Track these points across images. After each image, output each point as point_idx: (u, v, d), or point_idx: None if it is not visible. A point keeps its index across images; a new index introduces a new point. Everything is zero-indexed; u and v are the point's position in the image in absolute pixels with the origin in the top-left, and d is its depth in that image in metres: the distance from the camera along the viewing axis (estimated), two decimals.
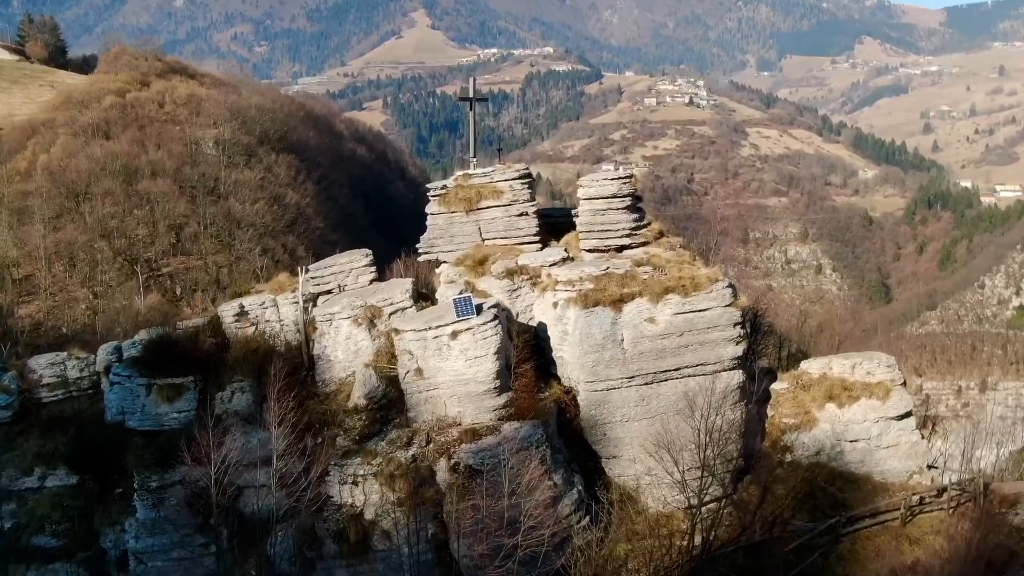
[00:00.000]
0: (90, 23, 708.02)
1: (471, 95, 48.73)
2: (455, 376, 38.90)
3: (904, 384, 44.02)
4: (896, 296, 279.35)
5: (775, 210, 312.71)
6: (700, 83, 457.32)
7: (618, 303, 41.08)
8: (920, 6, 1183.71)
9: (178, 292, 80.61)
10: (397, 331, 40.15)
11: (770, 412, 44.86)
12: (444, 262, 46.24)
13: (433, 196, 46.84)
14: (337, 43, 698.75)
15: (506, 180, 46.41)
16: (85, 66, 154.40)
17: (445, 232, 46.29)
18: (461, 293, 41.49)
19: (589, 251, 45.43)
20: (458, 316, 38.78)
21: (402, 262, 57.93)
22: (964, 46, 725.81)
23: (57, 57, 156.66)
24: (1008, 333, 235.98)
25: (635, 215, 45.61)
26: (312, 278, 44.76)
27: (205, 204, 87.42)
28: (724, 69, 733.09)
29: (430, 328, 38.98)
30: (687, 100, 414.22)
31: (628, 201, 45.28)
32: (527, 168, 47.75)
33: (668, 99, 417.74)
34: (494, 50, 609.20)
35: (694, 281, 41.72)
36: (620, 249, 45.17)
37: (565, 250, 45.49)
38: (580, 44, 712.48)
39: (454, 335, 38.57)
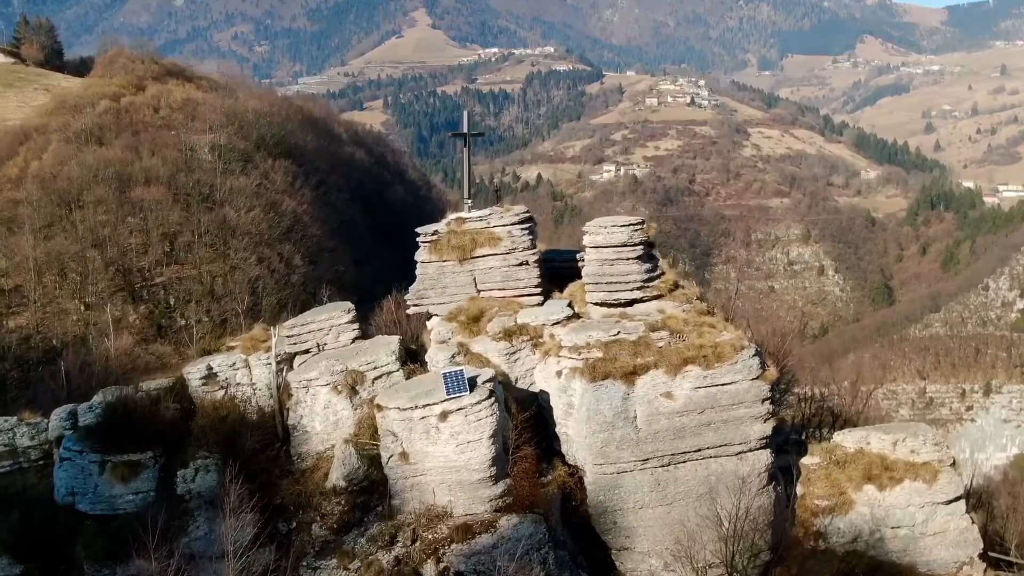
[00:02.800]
0: (90, 22, 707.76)
1: (465, 130, 45.26)
2: (445, 462, 34.72)
3: (954, 463, 39.28)
4: (899, 298, 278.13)
5: (777, 211, 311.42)
6: (701, 83, 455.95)
7: (631, 376, 36.37)
8: (921, 5, 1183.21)
9: (171, 303, 79.20)
10: (380, 407, 35.53)
11: (800, 491, 39.64)
12: (435, 315, 42.01)
13: (423, 242, 42.26)
14: (337, 43, 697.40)
15: (504, 225, 41.70)
16: (82, 68, 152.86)
17: (436, 283, 41.66)
18: (453, 357, 38.02)
19: (596, 304, 41.14)
20: (448, 394, 34.40)
21: (392, 299, 53.58)
22: (966, 45, 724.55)
23: (53, 59, 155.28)
24: (1012, 336, 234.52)
25: (647, 265, 41.00)
26: (288, 336, 40.45)
27: (200, 212, 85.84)
28: (725, 68, 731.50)
29: (416, 407, 34.63)
30: (688, 100, 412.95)
31: (640, 250, 40.68)
32: (527, 211, 42.82)
33: (669, 99, 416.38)
34: (495, 50, 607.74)
35: (716, 350, 36.92)
36: (631, 303, 40.81)
37: (570, 303, 41.30)
38: (581, 43, 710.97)
39: (443, 416, 34.28)
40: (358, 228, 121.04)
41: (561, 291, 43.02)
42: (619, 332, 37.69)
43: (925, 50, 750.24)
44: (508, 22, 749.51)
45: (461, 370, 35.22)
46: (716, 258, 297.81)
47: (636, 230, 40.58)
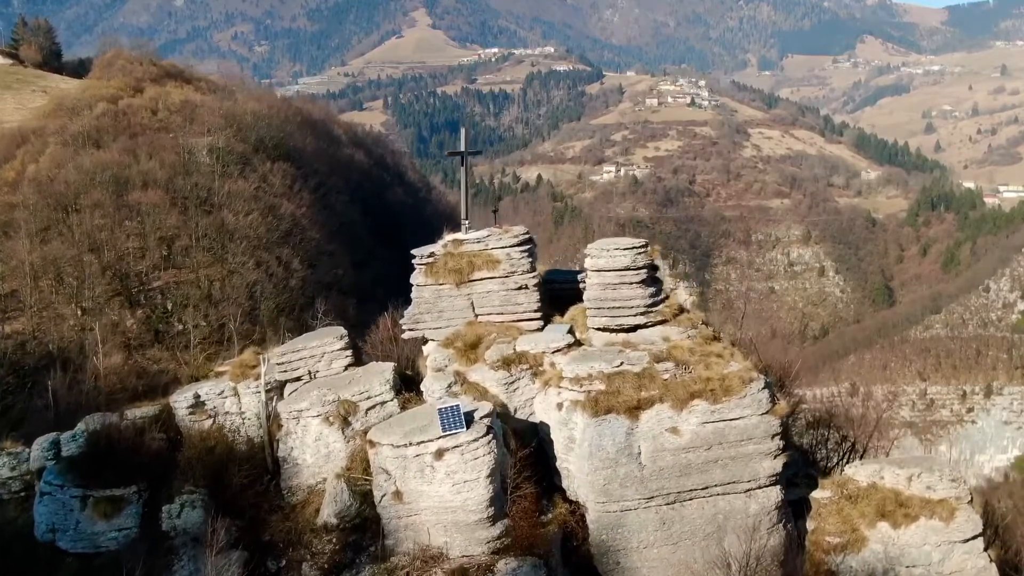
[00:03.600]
0: (90, 22, 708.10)
1: (462, 148, 42.46)
2: (440, 502, 33.12)
3: (971, 501, 37.56)
4: (899, 299, 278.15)
5: (777, 212, 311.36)
6: (702, 83, 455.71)
7: (634, 410, 34.77)
8: (921, 5, 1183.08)
9: (169, 307, 78.61)
10: (372, 443, 33.87)
11: (810, 526, 37.79)
12: (432, 340, 40.40)
13: (419, 264, 40.44)
14: (337, 43, 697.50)
15: (503, 247, 40.18)
16: (80, 69, 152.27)
17: (433, 307, 40.02)
18: (449, 387, 36.55)
19: (598, 330, 39.72)
20: (444, 431, 32.74)
21: (389, 316, 51.50)
22: (966, 45, 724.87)
23: (51, 61, 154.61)
24: (1013, 337, 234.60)
25: (651, 289, 39.73)
26: (279, 364, 38.95)
27: (198, 216, 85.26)
28: (725, 68, 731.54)
29: (410, 444, 33.05)
30: (689, 100, 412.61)
31: (643, 274, 39.39)
32: (527, 232, 41.22)
33: (670, 99, 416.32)
34: (495, 50, 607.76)
35: (724, 383, 35.30)
36: (634, 328, 39.34)
37: (571, 329, 39.72)
38: (581, 43, 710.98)
39: (439, 454, 32.73)
40: (357, 230, 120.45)
41: (562, 315, 41.63)
42: (622, 363, 36.08)
43: (925, 50, 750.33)
44: (508, 22, 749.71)
45: (457, 405, 33.45)
46: (716, 259, 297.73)
47: (640, 253, 39.33)
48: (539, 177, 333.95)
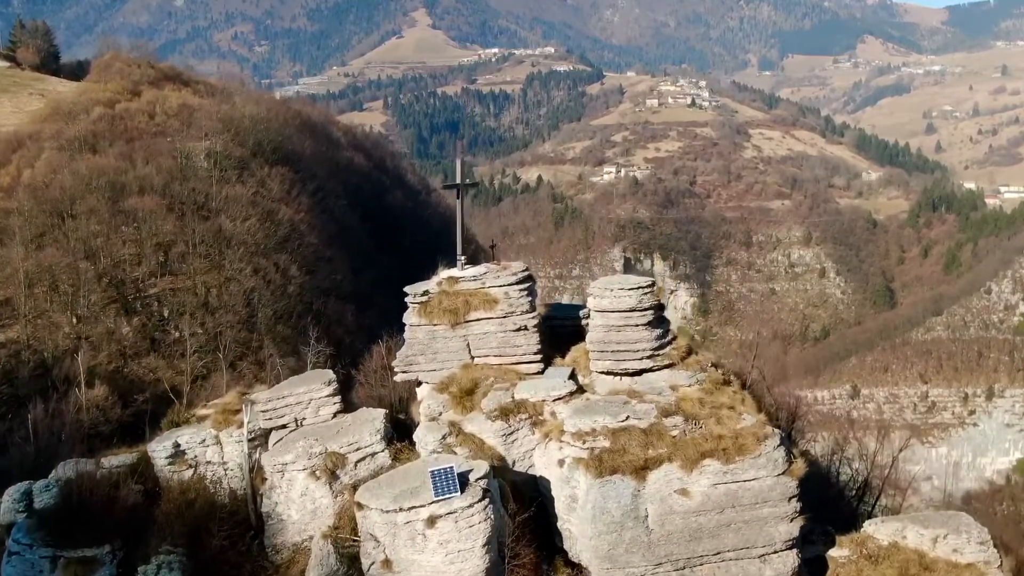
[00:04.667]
0: (90, 22, 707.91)
1: (458, 180, 40.01)
2: (433, 573, 30.52)
3: (1001, 565, 35.21)
4: (901, 300, 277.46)
5: (778, 213, 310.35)
6: (702, 83, 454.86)
7: (641, 471, 32.64)
8: (922, 5, 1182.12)
9: (165, 315, 77.91)
10: (360, 506, 31.36)
11: None
12: (426, 382, 38.28)
13: (412, 303, 38.26)
14: (338, 43, 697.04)
15: (501, 286, 38.14)
16: (79, 71, 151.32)
17: (427, 348, 37.79)
18: (444, 439, 34.46)
19: (602, 373, 37.30)
20: (436, 495, 30.22)
21: (384, 344, 49.94)
22: (966, 45, 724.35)
23: (49, 63, 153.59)
24: (1015, 339, 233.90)
25: (658, 331, 37.50)
26: (263, 411, 36.53)
27: (194, 222, 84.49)
28: (726, 68, 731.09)
29: (400, 510, 30.37)
30: (689, 101, 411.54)
31: (650, 315, 37.10)
32: (527, 269, 39.33)
33: (670, 100, 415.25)
34: (495, 50, 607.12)
35: (737, 441, 33.20)
36: (639, 372, 37.14)
37: (573, 372, 37.55)
38: (581, 43, 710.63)
39: (431, 521, 30.04)
40: (356, 234, 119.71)
41: (563, 355, 39.39)
42: (628, 417, 33.89)
43: (926, 50, 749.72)
44: (508, 22, 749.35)
45: (451, 467, 31.01)
46: (717, 260, 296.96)
47: (646, 293, 37.02)
48: (539, 178, 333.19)
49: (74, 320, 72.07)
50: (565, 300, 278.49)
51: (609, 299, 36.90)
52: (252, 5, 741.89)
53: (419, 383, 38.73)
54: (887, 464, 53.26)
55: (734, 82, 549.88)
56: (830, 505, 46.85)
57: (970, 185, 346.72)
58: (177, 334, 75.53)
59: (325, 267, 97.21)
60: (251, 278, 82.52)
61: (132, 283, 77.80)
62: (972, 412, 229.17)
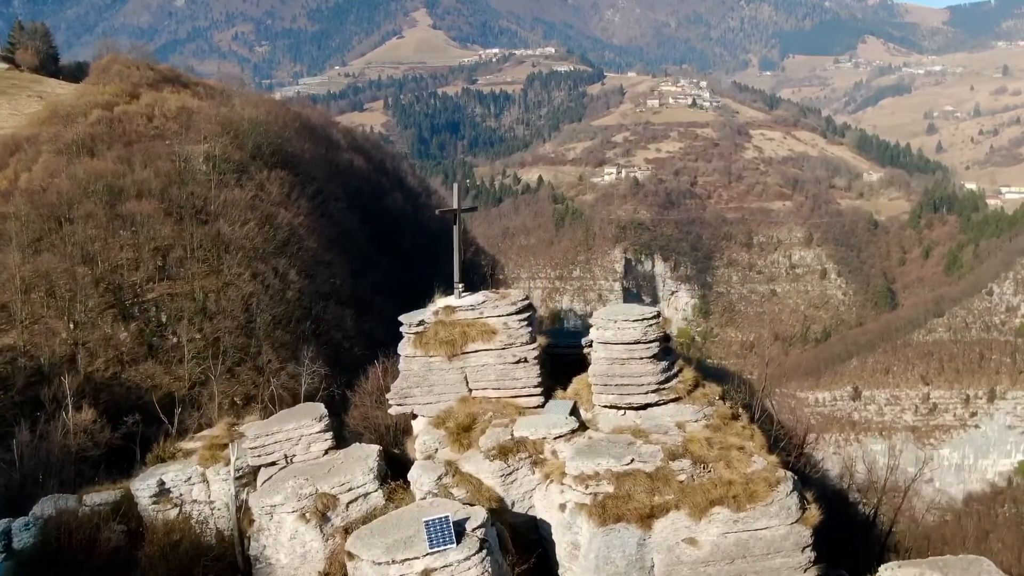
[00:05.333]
0: (91, 23, 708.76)
1: (455, 206, 38.11)
2: None
3: None
4: (902, 302, 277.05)
5: (779, 214, 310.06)
6: (703, 84, 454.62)
7: (647, 518, 31.01)
8: (923, 5, 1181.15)
9: (163, 320, 77.36)
10: (351, 555, 29.25)
11: None
12: (422, 415, 36.78)
13: (408, 334, 36.66)
14: (338, 43, 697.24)
15: (500, 316, 36.49)
16: (78, 73, 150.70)
17: (422, 380, 36.24)
18: (439, 479, 32.74)
19: (606, 407, 35.71)
20: (431, 547, 28.31)
21: (380, 365, 48.65)
22: (967, 45, 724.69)
23: (48, 65, 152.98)
24: (1017, 341, 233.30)
25: (663, 363, 35.83)
26: (252, 448, 34.83)
27: (193, 226, 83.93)
28: (727, 68, 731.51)
29: (393, 562, 28.30)
30: (690, 101, 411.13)
31: (655, 348, 35.41)
32: (527, 298, 37.64)
33: (671, 100, 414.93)
34: (496, 50, 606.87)
35: (748, 488, 31.45)
36: (644, 406, 35.74)
37: (575, 406, 35.88)
38: (582, 43, 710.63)
39: (426, 575, 28.05)
40: (356, 238, 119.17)
41: (564, 387, 37.60)
42: (633, 460, 32.29)
43: (927, 50, 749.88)
44: (509, 22, 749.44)
45: (447, 516, 29.08)
46: (718, 261, 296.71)
47: (651, 325, 35.29)
48: (540, 179, 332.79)
49: (71, 326, 71.46)
50: (565, 302, 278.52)
51: (612, 331, 35.28)
52: (252, 5, 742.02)
53: (414, 415, 37.09)
54: (898, 489, 51.77)
55: (735, 82, 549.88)
56: (843, 538, 44.86)
57: (971, 186, 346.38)
58: (175, 339, 74.95)
59: (324, 271, 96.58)
60: (249, 283, 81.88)
61: (130, 288, 77.15)
62: (974, 414, 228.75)
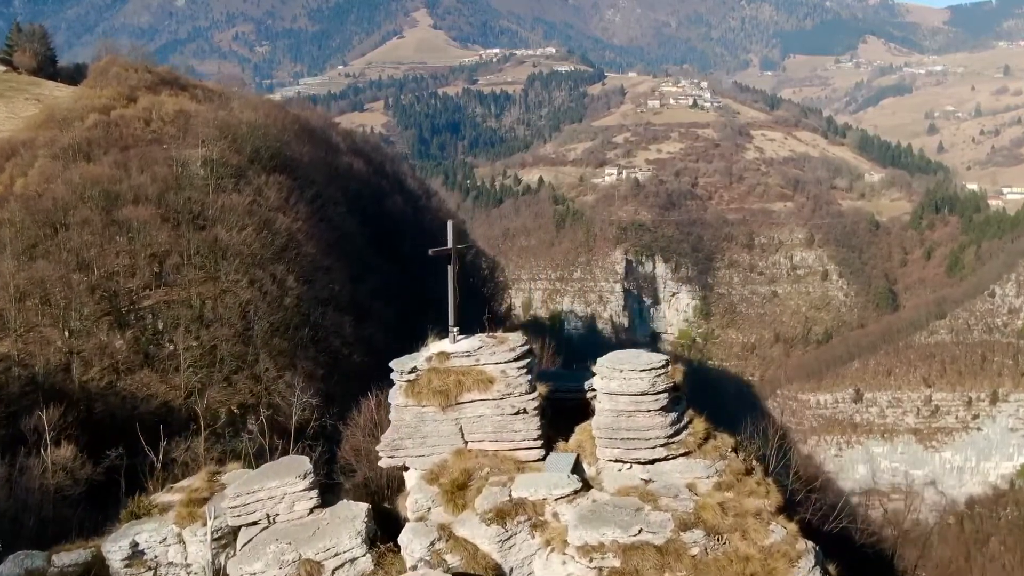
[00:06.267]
0: (91, 22, 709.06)
1: (449, 245, 34.37)
2: None
3: None
4: (904, 303, 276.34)
5: (780, 215, 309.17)
6: (704, 84, 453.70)
7: None
8: (924, 5, 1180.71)
9: (160, 327, 76.55)
10: None
11: None
12: (414, 467, 33.95)
13: (399, 382, 33.56)
14: (338, 43, 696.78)
15: (497, 364, 33.21)
16: (76, 75, 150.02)
17: (415, 431, 33.18)
18: (432, 545, 30.15)
19: (611, 461, 32.50)
20: None
21: (371, 400, 45.85)
22: (968, 45, 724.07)
23: (46, 67, 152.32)
24: (1019, 343, 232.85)
25: (672, 415, 32.51)
26: (232, 507, 31.75)
27: (190, 232, 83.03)
28: (727, 68, 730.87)
29: None
30: (691, 102, 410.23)
31: (664, 399, 32.16)
32: (526, 342, 34.26)
33: (672, 101, 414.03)
34: (496, 50, 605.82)
35: (767, 564, 28.25)
36: (652, 461, 32.72)
37: (578, 460, 32.88)
38: (582, 43, 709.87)
39: None
40: (355, 242, 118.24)
41: (566, 436, 34.51)
42: (641, 530, 29.14)
43: (927, 50, 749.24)
44: (509, 22, 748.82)
45: None
46: (719, 263, 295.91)
47: (659, 375, 32.06)
48: (540, 179, 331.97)
49: (66, 334, 70.64)
50: (566, 303, 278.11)
51: (618, 381, 32.11)
52: (253, 5, 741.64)
53: (406, 467, 34.41)
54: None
55: (736, 82, 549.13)
56: None
57: (973, 186, 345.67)
58: (171, 347, 74.12)
59: (323, 277, 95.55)
60: (247, 290, 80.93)
61: (126, 295, 76.31)
62: (976, 416, 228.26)
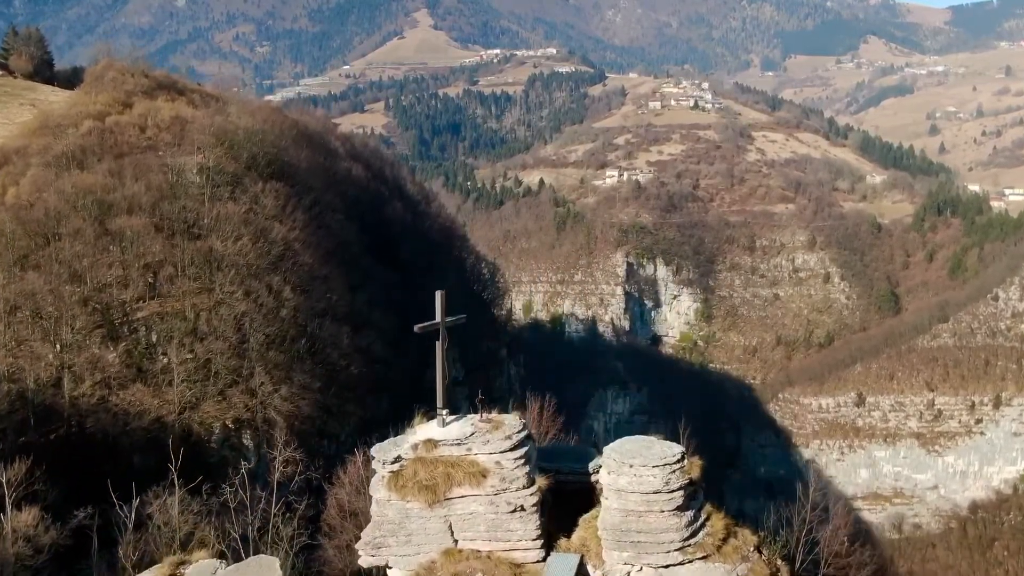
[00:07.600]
0: (92, 23, 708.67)
1: (438, 318, 29.64)
2: None
3: None
4: (906, 306, 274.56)
5: (782, 217, 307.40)
6: (705, 85, 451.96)
7: None
8: (925, 5, 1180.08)
9: (154, 339, 75.23)
10: None
11: None
12: (398, 568, 29.72)
13: (381, 472, 29.13)
14: (339, 43, 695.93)
15: (491, 454, 28.82)
16: (73, 79, 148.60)
17: (399, 528, 28.78)
18: None
19: (620, 565, 28.41)
20: None
21: (359, 454, 41.98)
22: (970, 45, 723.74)
23: (43, 71, 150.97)
24: (1023, 347, 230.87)
25: (688, 515, 28.49)
26: None
27: (184, 242, 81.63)
28: (728, 69, 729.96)
29: None
30: (692, 103, 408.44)
31: (679, 498, 28.23)
32: (524, 427, 29.81)
33: (673, 102, 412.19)
34: (497, 51, 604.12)
35: None
36: (666, 566, 28.73)
37: (582, 562, 28.55)
38: (583, 44, 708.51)
39: None
40: (353, 249, 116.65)
41: (568, 531, 30.18)
42: None
43: (929, 51, 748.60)
44: (510, 23, 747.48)
45: None
46: (720, 265, 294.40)
47: (674, 471, 28.17)
48: (541, 181, 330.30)
49: (57, 348, 69.33)
50: (567, 306, 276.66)
51: (628, 477, 28.28)
52: (253, 6, 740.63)
53: (389, 566, 29.98)
54: None
55: (737, 83, 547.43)
56: None
57: (975, 188, 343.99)
58: (165, 360, 72.85)
59: (320, 286, 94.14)
60: (242, 301, 79.48)
61: (119, 307, 74.99)
62: (979, 421, 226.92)
